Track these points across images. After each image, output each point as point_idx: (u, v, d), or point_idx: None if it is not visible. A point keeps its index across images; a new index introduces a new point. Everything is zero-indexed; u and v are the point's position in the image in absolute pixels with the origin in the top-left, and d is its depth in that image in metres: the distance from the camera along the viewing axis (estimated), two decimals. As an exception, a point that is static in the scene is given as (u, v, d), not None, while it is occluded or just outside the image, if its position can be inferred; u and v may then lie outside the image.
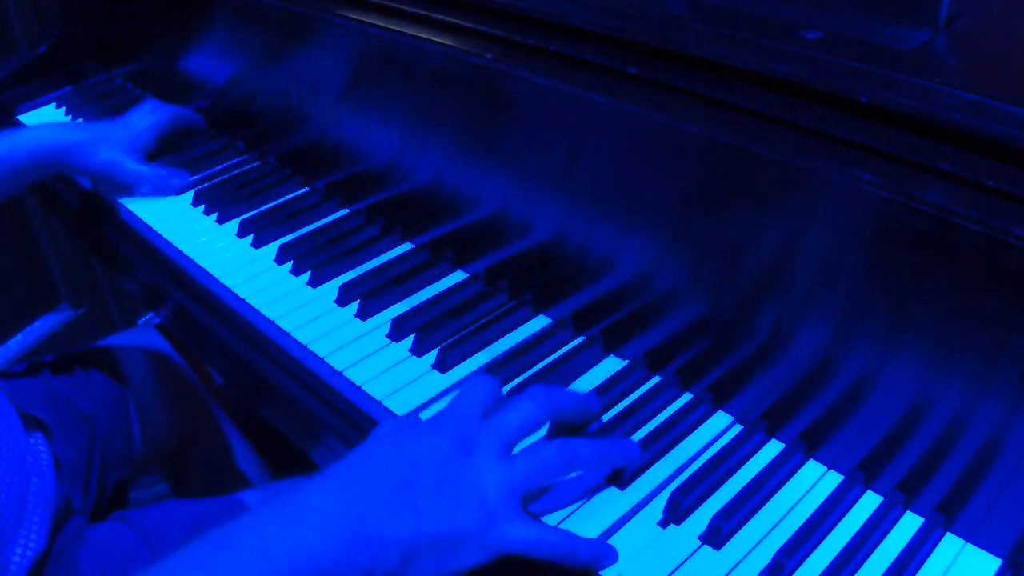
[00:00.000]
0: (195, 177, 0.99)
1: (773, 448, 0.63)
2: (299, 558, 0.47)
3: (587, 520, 0.57)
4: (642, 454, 0.60)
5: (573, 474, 0.59)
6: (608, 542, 0.55)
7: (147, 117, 1.00)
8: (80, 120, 1.17)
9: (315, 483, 0.51)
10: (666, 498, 0.58)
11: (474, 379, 0.59)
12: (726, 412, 0.66)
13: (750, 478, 0.60)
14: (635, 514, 0.58)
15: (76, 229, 1.06)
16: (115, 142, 0.95)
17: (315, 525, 0.48)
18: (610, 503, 0.59)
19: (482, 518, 0.51)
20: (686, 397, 0.67)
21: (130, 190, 0.97)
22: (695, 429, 0.65)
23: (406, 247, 0.87)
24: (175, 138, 1.05)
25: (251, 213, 0.93)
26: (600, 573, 0.54)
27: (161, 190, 0.96)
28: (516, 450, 0.55)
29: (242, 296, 0.81)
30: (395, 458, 0.53)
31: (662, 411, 0.66)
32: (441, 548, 0.50)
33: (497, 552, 0.51)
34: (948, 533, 0.57)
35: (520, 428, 0.55)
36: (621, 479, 0.60)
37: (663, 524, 0.58)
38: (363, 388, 0.69)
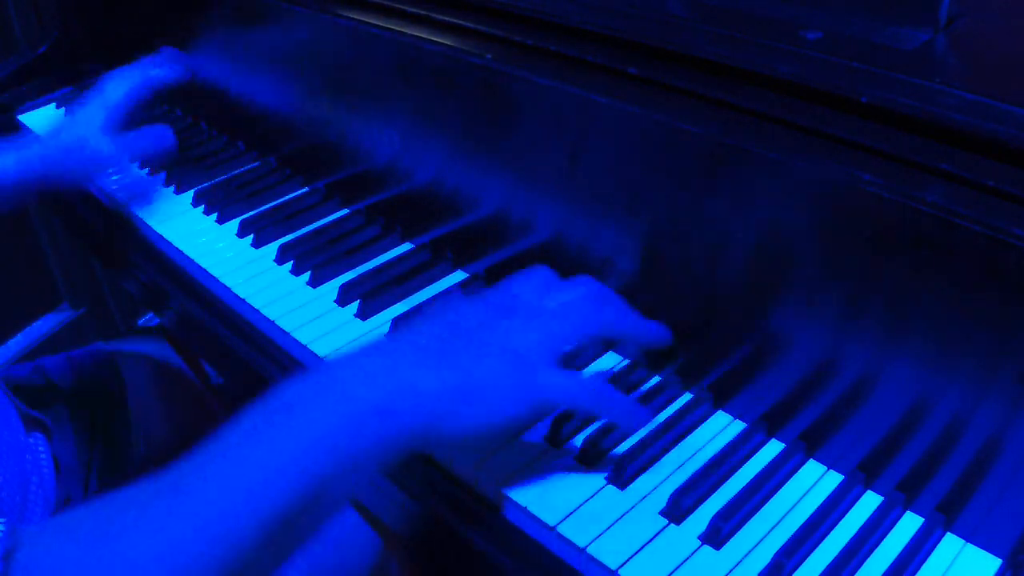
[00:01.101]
0: (174, 140, 0.96)
1: (773, 448, 0.63)
2: (346, 409, 0.48)
3: (587, 519, 0.57)
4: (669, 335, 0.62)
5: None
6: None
7: (118, 89, 0.94)
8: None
9: (353, 352, 0.53)
10: (666, 498, 0.58)
11: (531, 269, 0.60)
12: (726, 412, 0.66)
13: (750, 478, 0.60)
14: (635, 514, 0.58)
15: (76, 229, 1.06)
16: (88, 131, 0.91)
17: (357, 380, 0.50)
18: (610, 503, 0.59)
19: (516, 367, 0.52)
20: (686, 397, 0.67)
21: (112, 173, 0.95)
22: (695, 429, 0.65)
23: (406, 247, 0.87)
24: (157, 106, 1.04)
25: (251, 213, 0.93)
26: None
27: (151, 157, 0.94)
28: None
29: (242, 296, 0.81)
30: (433, 322, 0.55)
31: (662, 411, 0.66)
32: (475, 396, 0.51)
33: (533, 400, 0.52)
34: (948, 533, 0.57)
35: (562, 306, 0.56)
36: (622, 477, 0.60)
37: (663, 524, 0.58)
38: (363, 388, 0.69)
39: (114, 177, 1.00)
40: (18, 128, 1.17)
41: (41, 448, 0.77)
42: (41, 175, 0.90)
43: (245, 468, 0.45)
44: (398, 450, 0.49)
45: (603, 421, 0.63)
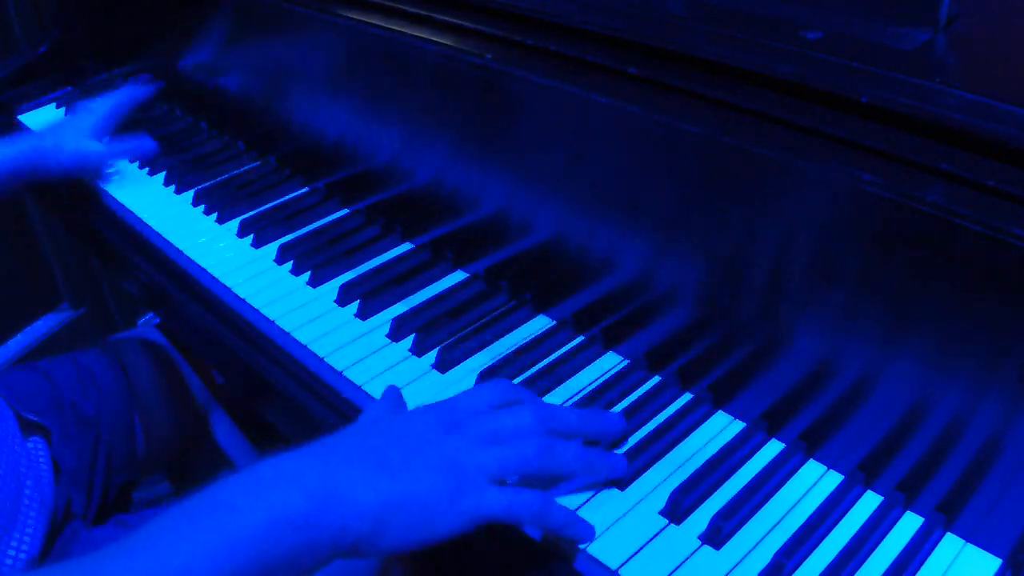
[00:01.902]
0: (156, 144, 1.03)
1: (773, 448, 0.63)
2: (272, 515, 0.47)
3: (585, 519, 0.57)
4: (628, 469, 0.59)
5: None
6: (610, 536, 0.56)
7: (105, 102, 1.02)
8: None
9: (296, 450, 0.52)
10: (666, 498, 0.58)
11: (490, 381, 0.59)
12: (726, 412, 0.66)
13: (750, 478, 0.60)
14: (635, 514, 0.58)
15: (76, 230, 1.06)
16: (78, 132, 0.97)
17: (288, 484, 0.49)
18: (610, 503, 0.59)
19: (453, 486, 0.51)
20: (686, 397, 0.67)
21: (106, 175, 1.00)
22: (695, 429, 0.65)
23: (406, 247, 0.87)
24: (144, 117, 1.11)
25: (251, 213, 0.93)
26: (583, 549, 0.55)
27: (135, 158, 1.02)
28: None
29: (242, 296, 0.81)
30: (376, 431, 0.54)
31: (662, 411, 0.66)
32: (412, 513, 0.50)
33: (469, 518, 0.51)
34: (948, 533, 0.57)
35: (508, 428, 0.55)
36: (622, 477, 0.60)
37: (663, 524, 0.58)
38: (363, 388, 0.69)
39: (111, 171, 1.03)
40: (18, 128, 1.17)
41: (40, 451, 0.77)
42: (30, 168, 0.95)
43: (167, 569, 0.45)
44: (325, 558, 0.49)
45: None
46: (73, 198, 1.02)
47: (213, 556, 0.45)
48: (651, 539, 0.56)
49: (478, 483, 0.52)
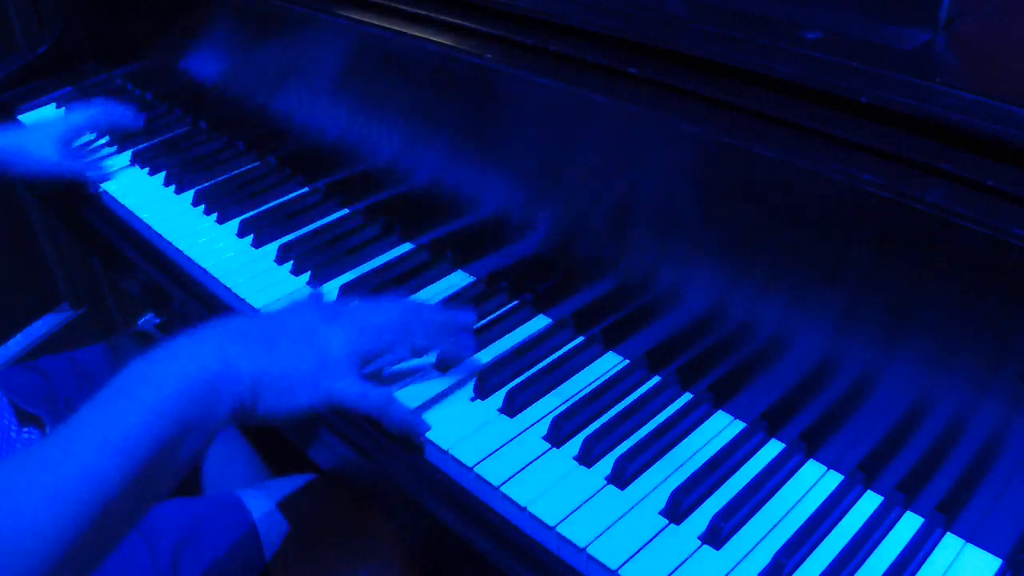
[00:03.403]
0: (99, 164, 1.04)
1: (773, 448, 0.63)
2: (180, 386, 0.54)
3: (587, 519, 0.57)
4: (477, 348, 0.70)
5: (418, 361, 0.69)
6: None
7: (78, 115, 1.05)
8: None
9: (202, 328, 0.59)
10: (666, 498, 0.58)
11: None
12: (726, 412, 0.66)
13: (750, 478, 0.60)
14: (635, 514, 0.58)
15: (76, 230, 1.06)
16: (44, 138, 1.00)
17: (191, 358, 0.57)
18: (610, 503, 0.59)
19: (320, 368, 0.61)
20: (686, 397, 0.67)
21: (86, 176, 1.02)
22: (695, 429, 0.65)
23: (406, 247, 0.87)
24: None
25: (251, 213, 0.93)
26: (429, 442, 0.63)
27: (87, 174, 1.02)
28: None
29: (242, 296, 0.81)
30: (267, 317, 0.66)
31: (662, 411, 0.66)
32: (282, 386, 0.59)
33: (326, 398, 0.61)
34: (948, 533, 0.57)
35: (376, 320, 0.65)
36: (622, 477, 0.60)
37: (663, 524, 0.58)
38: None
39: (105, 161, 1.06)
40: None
41: (35, 440, 0.78)
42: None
43: (108, 433, 0.52)
44: (222, 419, 0.57)
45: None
46: (73, 198, 1.02)
47: (145, 423, 0.52)
48: (651, 539, 0.56)
49: (340, 368, 0.61)
